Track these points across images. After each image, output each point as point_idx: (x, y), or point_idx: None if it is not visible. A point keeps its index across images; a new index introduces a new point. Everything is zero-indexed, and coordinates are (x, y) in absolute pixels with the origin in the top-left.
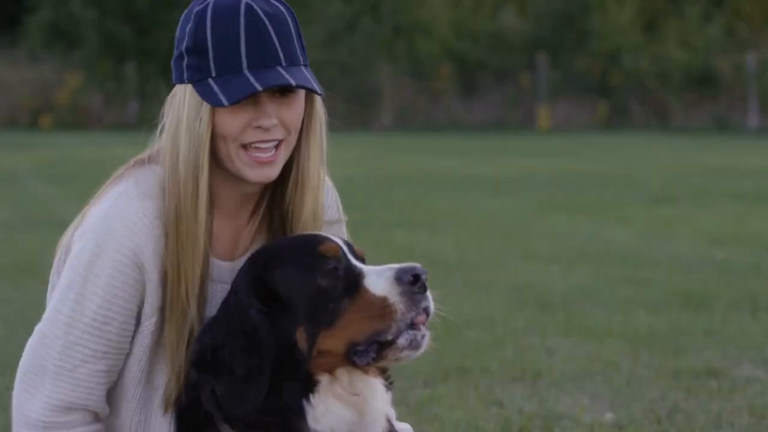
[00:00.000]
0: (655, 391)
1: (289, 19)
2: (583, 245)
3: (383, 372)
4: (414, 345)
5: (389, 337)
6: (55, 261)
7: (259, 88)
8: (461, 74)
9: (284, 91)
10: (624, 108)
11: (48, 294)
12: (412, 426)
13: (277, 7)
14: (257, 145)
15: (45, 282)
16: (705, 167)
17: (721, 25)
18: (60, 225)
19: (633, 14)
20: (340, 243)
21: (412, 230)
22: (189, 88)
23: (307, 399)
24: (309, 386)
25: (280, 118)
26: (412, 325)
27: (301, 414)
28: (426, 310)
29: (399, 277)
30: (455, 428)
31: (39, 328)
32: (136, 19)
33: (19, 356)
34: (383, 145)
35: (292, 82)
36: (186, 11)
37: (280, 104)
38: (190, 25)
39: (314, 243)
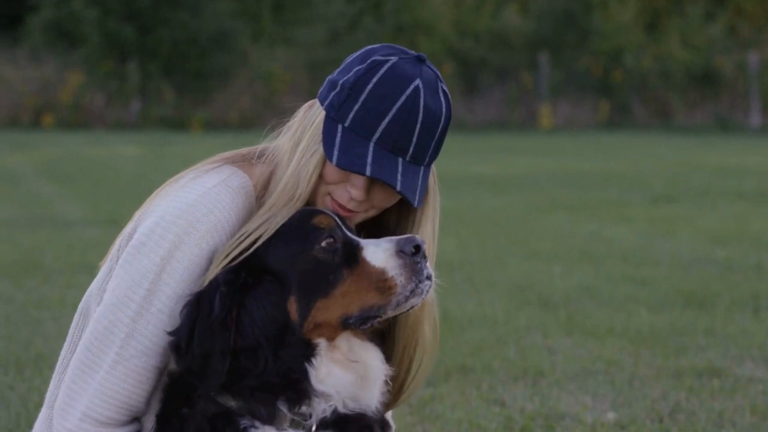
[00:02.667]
0: (656, 390)
1: (443, 120)
2: (584, 244)
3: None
4: (416, 292)
5: (389, 312)
6: (114, 249)
7: (368, 174)
8: (463, 73)
9: None
10: (626, 107)
11: (101, 277)
12: (413, 425)
13: (441, 102)
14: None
15: (47, 280)
16: (707, 166)
17: (723, 24)
18: (61, 224)
19: (635, 13)
20: (334, 215)
21: None
22: (322, 115)
23: (309, 362)
24: (309, 351)
25: (372, 197)
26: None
27: (305, 375)
28: (428, 278)
29: (400, 249)
30: (457, 427)
31: (104, 313)
32: (137, 18)
33: (22, 354)
34: None
35: (397, 187)
36: (368, 49)
37: (381, 187)
38: (360, 67)
39: (308, 216)
